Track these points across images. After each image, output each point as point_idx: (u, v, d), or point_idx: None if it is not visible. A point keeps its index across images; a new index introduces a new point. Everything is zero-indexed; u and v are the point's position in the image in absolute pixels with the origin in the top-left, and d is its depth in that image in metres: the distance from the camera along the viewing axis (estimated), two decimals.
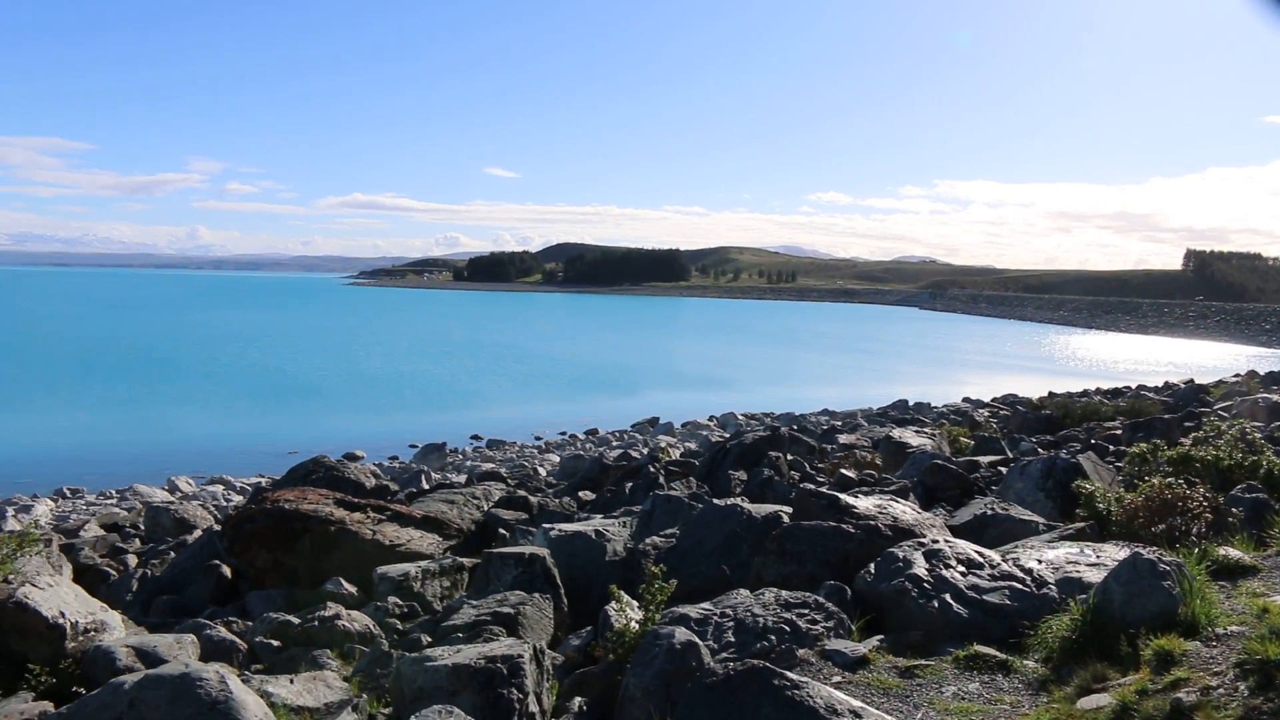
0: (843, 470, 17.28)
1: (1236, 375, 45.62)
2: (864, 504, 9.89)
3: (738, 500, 12.20)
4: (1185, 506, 9.10)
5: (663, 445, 28.91)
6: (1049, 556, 8.02)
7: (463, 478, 24.53)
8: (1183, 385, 42.33)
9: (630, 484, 17.88)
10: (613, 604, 7.88)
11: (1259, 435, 14.95)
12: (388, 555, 12.83)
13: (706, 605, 7.70)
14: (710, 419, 39.07)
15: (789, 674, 5.42)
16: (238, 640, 10.02)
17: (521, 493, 17.92)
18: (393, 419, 40.47)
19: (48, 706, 7.79)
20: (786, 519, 10.12)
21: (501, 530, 14.29)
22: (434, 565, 11.99)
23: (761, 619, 7.23)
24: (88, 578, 14.34)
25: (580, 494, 19.13)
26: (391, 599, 11.04)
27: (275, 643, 9.81)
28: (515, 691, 6.41)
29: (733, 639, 7.08)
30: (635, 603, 7.81)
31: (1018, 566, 7.73)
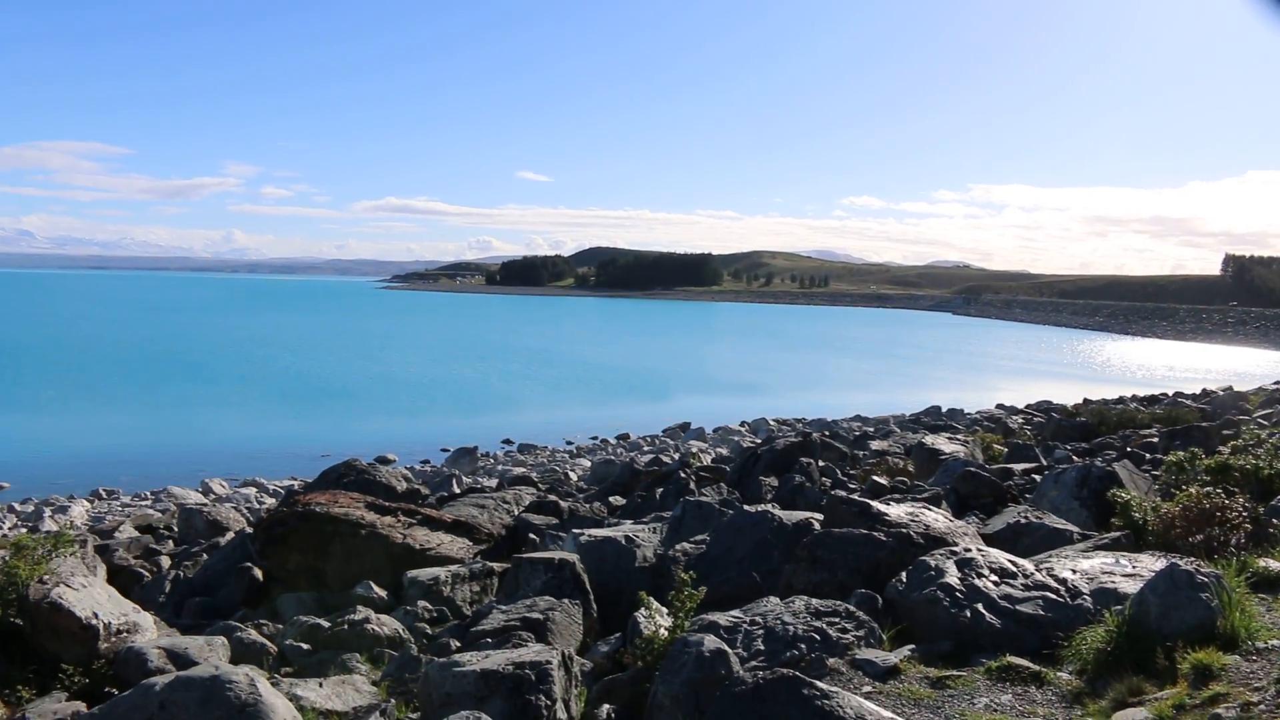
0: (875, 477, 17.18)
1: (1276, 382, 45.05)
2: (896, 511, 9.81)
3: (768, 507, 12.13)
4: (1224, 516, 8.96)
5: (694, 451, 28.88)
6: (1084, 566, 7.92)
7: (494, 482, 24.58)
8: (1221, 392, 41.76)
9: (661, 489, 17.83)
10: (642, 611, 7.85)
11: None
12: (418, 559, 12.87)
13: (736, 613, 7.66)
14: (742, 424, 38.98)
15: (819, 683, 5.38)
16: (268, 643, 10.07)
17: (552, 498, 17.92)
18: (424, 423, 40.63)
19: (80, 706, 7.85)
20: (817, 526, 10.05)
21: (532, 535, 14.29)
22: (464, 570, 12.01)
23: (791, 627, 7.17)
24: (121, 579, 14.46)
25: (611, 499, 19.12)
26: (421, 603, 11.07)
27: (305, 646, 9.85)
28: (543, 698, 6.38)
29: (762, 647, 7.03)
30: (664, 609, 7.77)
31: (1052, 576, 7.64)
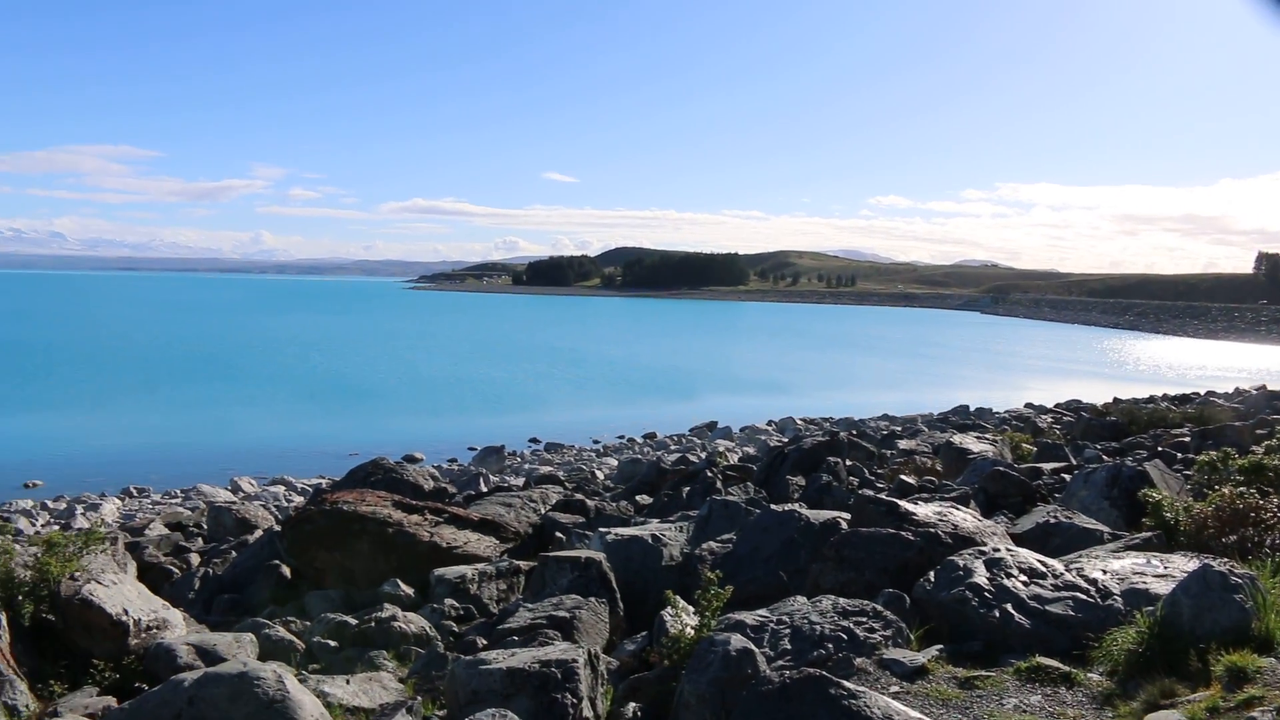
0: (902, 476, 17.10)
1: None
2: (923, 511, 9.76)
3: (795, 506, 12.09)
4: (1258, 517, 8.86)
5: (721, 450, 28.83)
6: (1114, 567, 7.85)
7: (520, 481, 24.63)
8: (1254, 391, 41.32)
9: (687, 488, 17.82)
10: (668, 609, 7.83)
11: None
12: (445, 557, 12.91)
13: (763, 612, 7.63)
14: (769, 423, 38.88)
15: (846, 683, 5.35)
16: (296, 640, 10.13)
17: (579, 496, 17.93)
18: (452, 421, 40.75)
19: (111, 701, 7.92)
20: (845, 525, 10.01)
21: (558, 534, 14.31)
22: (490, 568, 12.04)
23: (818, 626, 7.14)
24: (151, 575, 14.59)
25: (637, 498, 19.12)
26: (448, 601, 11.10)
27: (332, 643, 9.90)
28: (569, 696, 6.38)
29: (789, 646, 7.01)
30: (691, 608, 7.76)
31: (1082, 577, 7.57)
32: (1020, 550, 8.21)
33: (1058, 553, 9.04)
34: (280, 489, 26.20)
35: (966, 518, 9.73)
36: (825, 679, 5.32)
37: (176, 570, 15.60)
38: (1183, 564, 7.64)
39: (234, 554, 15.96)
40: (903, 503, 10.08)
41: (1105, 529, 10.36)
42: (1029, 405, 41.82)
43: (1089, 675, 6.25)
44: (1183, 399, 39.73)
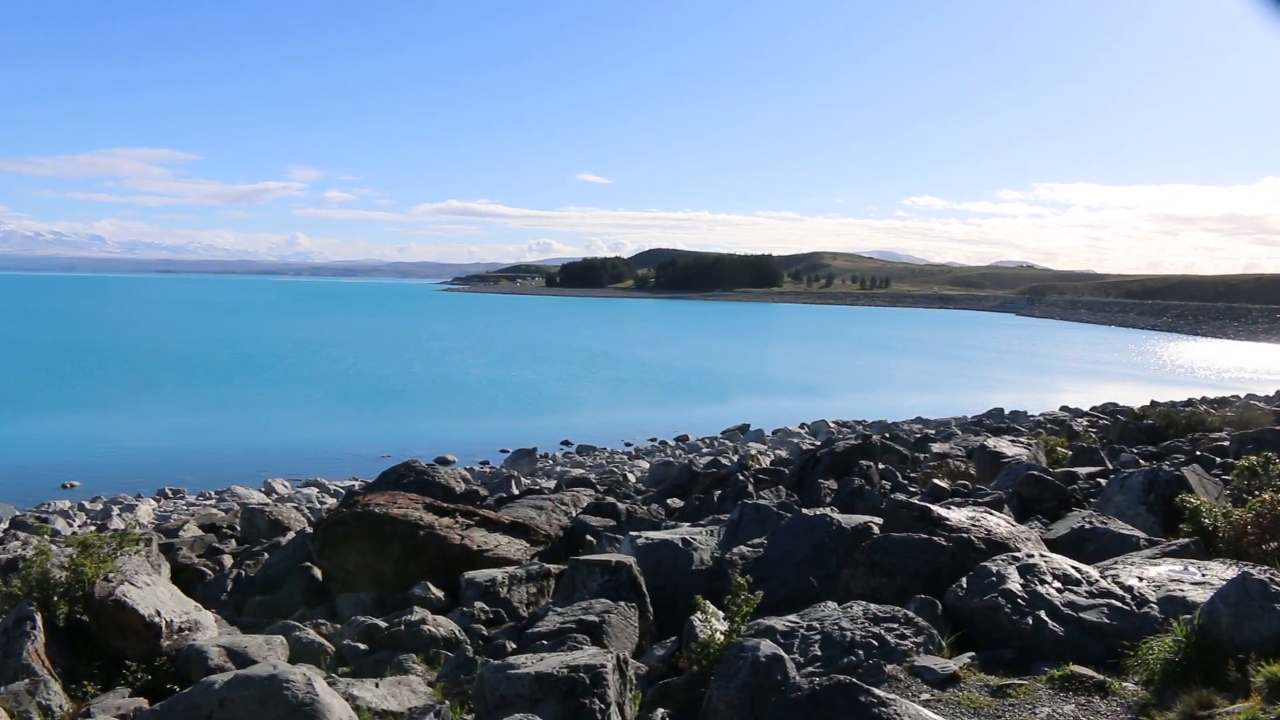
0: (935, 480, 16.97)
1: None
2: (956, 516, 9.66)
3: (827, 510, 12.02)
4: None
5: (752, 453, 28.75)
6: (1150, 574, 7.74)
7: (552, 483, 24.66)
8: None
9: (719, 492, 17.75)
10: (698, 614, 7.79)
11: None
12: (475, 560, 12.93)
13: (793, 617, 7.59)
14: (801, 426, 38.75)
15: (876, 690, 5.30)
16: (326, 642, 10.17)
17: (610, 499, 17.93)
18: (484, 424, 40.89)
19: (143, 702, 7.98)
20: (876, 530, 9.93)
21: (589, 537, 14.30)
22: (521, 571, 12.05)
23: (849, 633, 7.09)
24: (185, 577, 14.71)
25: (669, 501, 19.08)
26: (478, 604, 11.12)
27: (362, 646, 9.93)
28: (597, 701, 6.36)
29: (819, 653, 6.96)
30: (721, 613, 7.71)
31: (1117, 584, 7.47)
32: (1054, 556, 8.11)
33: (1093, 559, 8.93)
34: (313, 491, 26.37)
35: (1000, 523, 9.63)
36: (855, 686, 5.27)
37: (210, 572, 15.72)
38: (1221, 571, 7.52)
39: (266, 556, 16.07)
40: (935, 507, 9.98)
41: (1141, 535, 10.23)
42: (1064, 408, 41.43)
43: (1124, 684, 6.16)
44: (1222, 402, 39.24)
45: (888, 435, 27.17)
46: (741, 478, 18.36)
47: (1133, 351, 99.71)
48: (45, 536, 12.14)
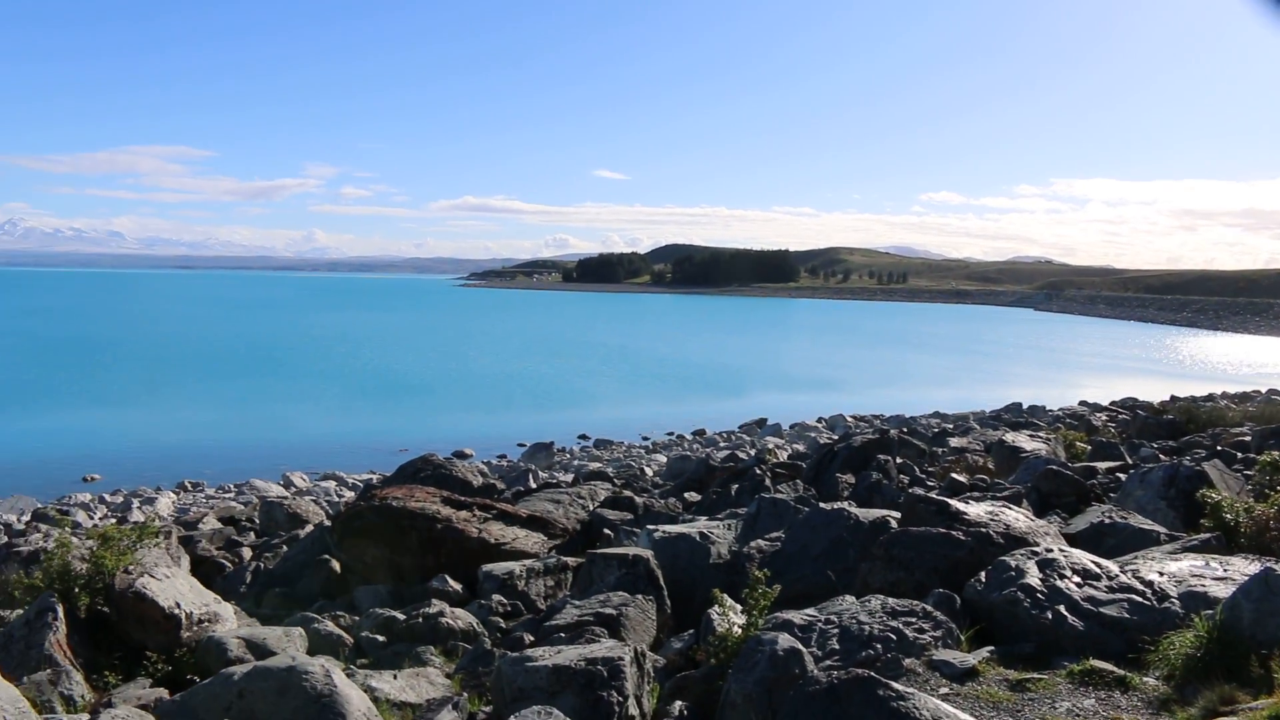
0: (953, 475, 16.92)
1: None
2: (975, 510, 9.61)
3: (844, 504, 12.00)
4: None
5: (770, 447, 28.70)
6: (1171, 569, 7.69)
7: (569, 477, 24.67)
8: None
9: (736, 486, 17.74)
10: (715, 608, 7.78)
11: None
12: (493, 554, 12.95)
13: (811, 611, 7.57)
14: (819, 420, 38.67)
15: (894, 684, 5.28)
16: (344, 634, 10.21)
17: (627, 493, 17.92)
18: (501, 418, 40.94)
19: (164, 693, 8.02)
20: (894, 524, 9.90)
21: (606, 530, 14.30)
22: (538, 564, 12.05)
23: (867, 627, 7.07)
24: (204, 569, 14.80)
25: (686, 495, 19.07)
26: (495, 597, 11.13)
27: (381, 638, 9.96)
28: (615, 694, 6.36)
29: (837, 646, 6.94)
30: (738, 607, 7.70)
31: (1137, 578, 7.43)
32: (1074, 551, 8.07)
33: (1112, 554, 8.88)
34: (331, 484, 26.47)
35: (1019, 517, 9.58)
36: (874, 680, 5.25)
37: (229, 564, 15.81)
38: (1243, 567, 7.47)
39: (285, 548, 16.14)
40: (954, 502, 9.94)
41: (1162, 530, 10.17)
42: (1083, 403, 41.23)
43: (1144, 680, 6.12)
44: (1243, 397, 39.01)
45: (905, 430, 27.08)
46: (759, 472, 18.35)
47: (1152, 346, 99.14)
48: (66, 529, 12.24)
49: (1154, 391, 45.22)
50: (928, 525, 9.17)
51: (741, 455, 27.26)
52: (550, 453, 30.79)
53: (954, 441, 24.45)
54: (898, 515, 10.35)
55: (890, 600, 7.48)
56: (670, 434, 36.73)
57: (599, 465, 27.93)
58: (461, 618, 10.25)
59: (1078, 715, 5.69)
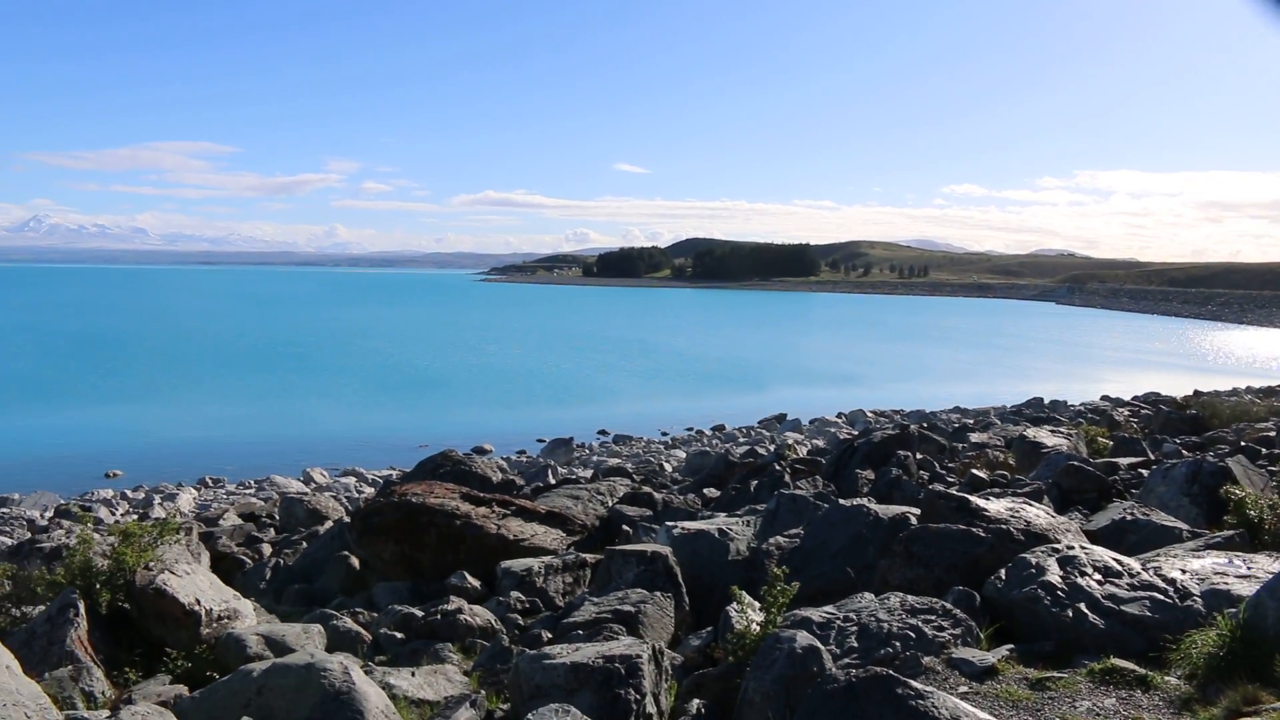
0: (974, 470, 16.83)
1: None
2: (995, 507, 9.55)
3: (864, 500, 11.95)
4: None
5: (789, 442, 28.64)
6: (1194, 566, 7.62)
7: (588, 473, 24.68)
8: None
9: (755, 482, 17.69)
10: (734, 605, 7.76)
11: None
12: (512, 550, 12.95)
13: (829, 608, 7.54)
14: (839, 416, 38.60)
15: (913, 682, 5.25)
16: (363, 631, 10.23)
17: (646, 489, 17.91)
18: (521, 413, 41.02)
19: (183, 689, 8.06)
20: (914, 521, 9.85)
21: (625, 527, 14.29)
22: (557, 561, 12.06)
23: (886, 624, 7.03)
24: (224, 565, 14.87)
25: (705, 491, 19.04)
26: (514, 594, 11.14)
27: (399, 635, 9.99)
28: (633, 692, 6.35)
29: (856, 644, 6.91)
30: (757, 604, 7.67)
31: (1159, 576, 7.36)
32: (1095, 548, 8.01)
33: (1134, 551, 8.82)
34: (351, 480, 26.57)
35: (1039, 514, 9.52)
36: (892, 678, 5.22)
37: (249, 560, 15.88)
38: (1267, 564, 7.40)
39: (305, 545, 16.21)
40: (974, 498, 9.88)
41: (1184, 527, 10.08)
42: (1105, 398, 40.99)
43: (1166, 679, 6.06)
44: (1268, 391, 38.66)
45: (925, 425, 26.96)
46: (778, 467, 18.29)
47: (1176, 340, 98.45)
48: (88, 525, 12.31)
49: (1177, 386, 44.87)
50: (947, 522, 9.12)
51: (761, 451, 27.21)
52: (569, 448, 30.82)
53: (974, 437, 24.32)
54: (917, 512, 10.29)
55: (909, 598, 7.44)
56: (689, 429, 36.71)
57: (618, 461, 27.95)
58: (480, 615, 10.26)
59: (1098, 714, 5.64)
